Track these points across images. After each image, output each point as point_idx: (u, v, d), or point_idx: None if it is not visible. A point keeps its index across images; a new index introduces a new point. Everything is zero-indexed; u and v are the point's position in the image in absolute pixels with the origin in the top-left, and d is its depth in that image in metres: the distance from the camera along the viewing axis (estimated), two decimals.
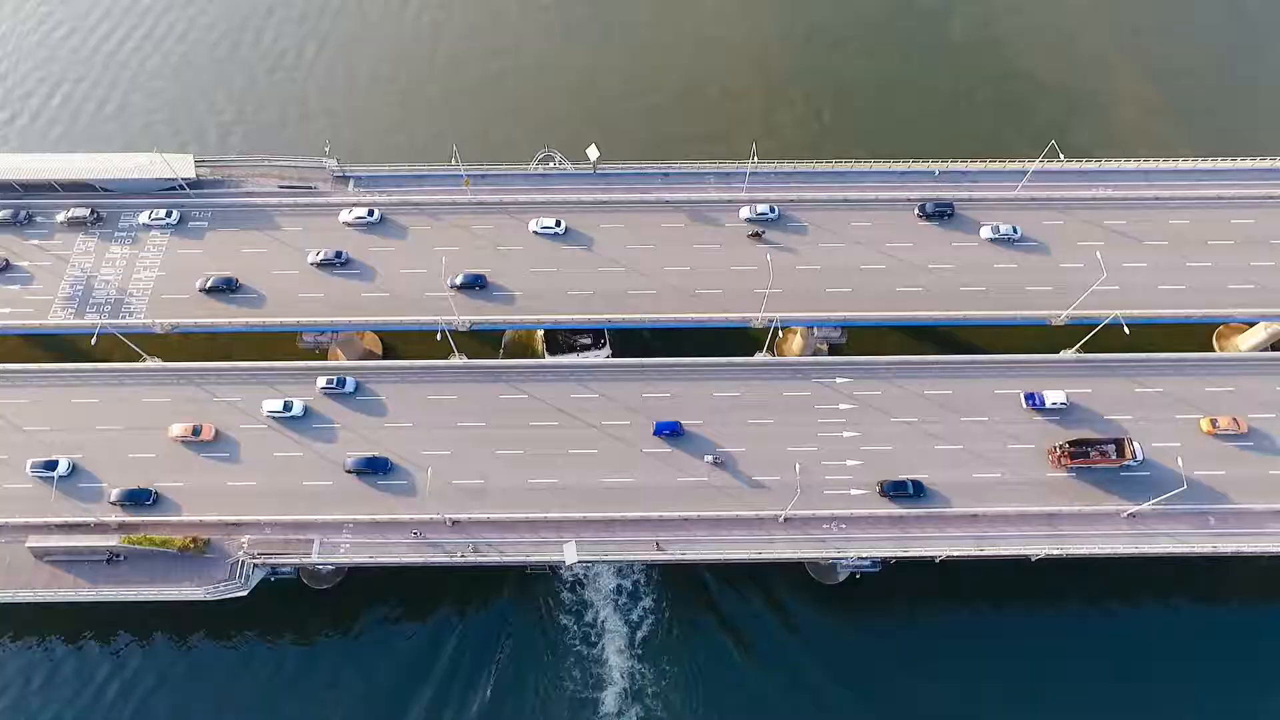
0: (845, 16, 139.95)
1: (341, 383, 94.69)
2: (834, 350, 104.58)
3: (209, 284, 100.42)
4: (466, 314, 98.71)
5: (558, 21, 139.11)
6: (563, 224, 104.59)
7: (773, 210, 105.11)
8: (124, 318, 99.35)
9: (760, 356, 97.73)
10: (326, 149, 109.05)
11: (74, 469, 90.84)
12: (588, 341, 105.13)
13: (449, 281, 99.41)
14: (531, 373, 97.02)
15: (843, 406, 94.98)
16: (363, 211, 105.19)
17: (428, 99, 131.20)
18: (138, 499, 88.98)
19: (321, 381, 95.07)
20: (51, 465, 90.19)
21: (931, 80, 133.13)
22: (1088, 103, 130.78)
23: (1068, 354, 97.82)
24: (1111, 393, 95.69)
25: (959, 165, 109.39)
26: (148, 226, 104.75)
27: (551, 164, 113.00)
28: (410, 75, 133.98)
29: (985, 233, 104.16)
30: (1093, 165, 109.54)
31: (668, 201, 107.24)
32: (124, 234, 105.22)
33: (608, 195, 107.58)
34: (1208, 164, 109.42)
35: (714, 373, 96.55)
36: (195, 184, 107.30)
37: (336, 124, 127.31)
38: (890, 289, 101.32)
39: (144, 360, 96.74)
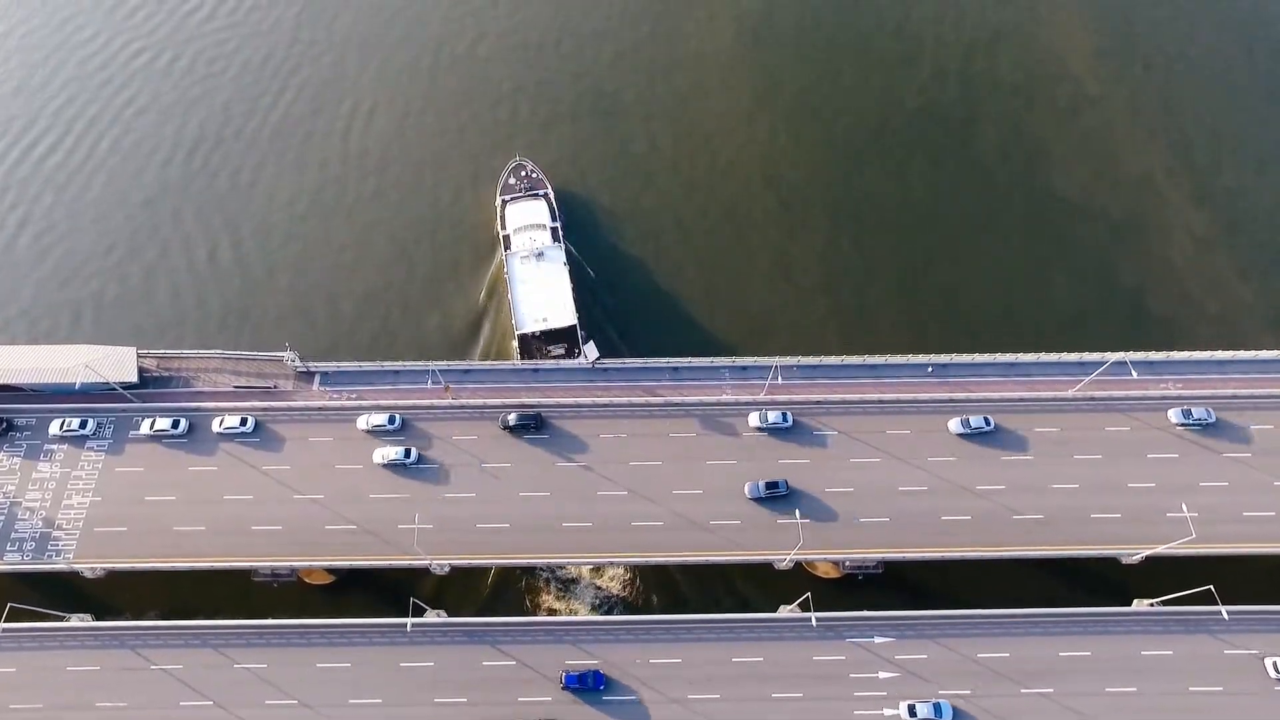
0: (863, 125, 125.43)
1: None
2: (869, 579, 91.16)
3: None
4: (442, 554, 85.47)
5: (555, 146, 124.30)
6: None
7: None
8: (50, 557, 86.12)
9: (785, 612, 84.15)
10: (287, 349, 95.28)
11: None
12: (560, 352, 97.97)
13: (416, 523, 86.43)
14: (521, 633, 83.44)
15: (883, 675, 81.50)
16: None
17: (401, 282, 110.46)
18: None
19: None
20: None
21: (962, 203, 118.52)
22: (1134, 231, 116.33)
23: (1143, 604, 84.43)
24: (1194, 652, 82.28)
25: (1006, 356, 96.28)
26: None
27: (524, 173, 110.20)
28: (380, 254, 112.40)
29: (1038, 445, 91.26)
30: (1160, 356, 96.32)
31: (677, 405, 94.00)
32: (54, 447, 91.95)
33: (608, 397, 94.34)
34: None
35: (731, 631, 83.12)
36: (137, 384, 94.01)
37: (301, 309, 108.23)
38: (934, 515, 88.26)
39: (68, 619, 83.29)
